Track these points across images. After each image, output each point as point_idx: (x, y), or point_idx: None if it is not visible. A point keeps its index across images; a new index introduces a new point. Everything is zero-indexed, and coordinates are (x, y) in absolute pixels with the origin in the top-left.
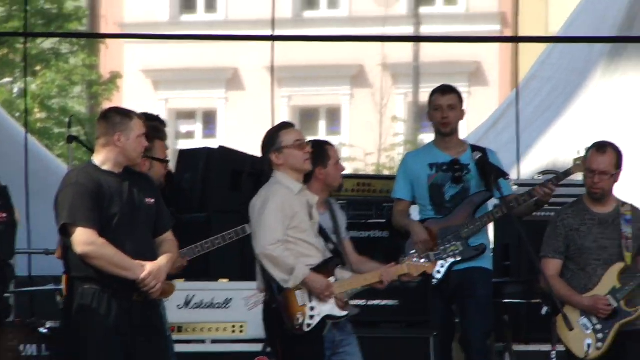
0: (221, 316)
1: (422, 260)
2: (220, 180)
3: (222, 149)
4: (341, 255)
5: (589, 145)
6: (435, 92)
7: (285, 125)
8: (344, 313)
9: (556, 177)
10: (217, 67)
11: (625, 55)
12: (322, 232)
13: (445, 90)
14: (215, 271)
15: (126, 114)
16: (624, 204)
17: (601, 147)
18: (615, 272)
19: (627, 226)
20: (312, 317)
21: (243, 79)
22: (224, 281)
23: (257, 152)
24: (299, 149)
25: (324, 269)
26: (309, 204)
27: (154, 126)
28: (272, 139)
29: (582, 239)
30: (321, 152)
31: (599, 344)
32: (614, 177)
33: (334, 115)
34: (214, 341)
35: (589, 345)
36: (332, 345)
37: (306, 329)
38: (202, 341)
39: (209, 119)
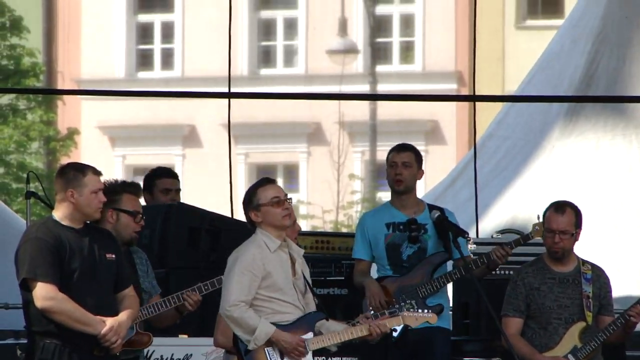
0: None
1: (425, 311)
2: (178, 237)
3: (180, 205)
4: (323, 310)
5: (547, 205)
6: (392, 150)
7: (263, 182)
8: None
9: (515, 241)
10: (173, 123)
11: (582, 114)
12: (308, 285)
13: (402, 148)
14: (174, 326)
15: (80, 170)
16: (584, 262)
17: (559, 207)
18: (577, 332)
19: (588, 285)
20: None
21: (200, 135)
22: (183, 336)
23: (215, 208)
24: (276, 206)
25: (301, 325)
26: (292, 258)
27: (124, 181)
28: (250, 197)
29: (542, 298)
30: None
31: None
32: (574, 237)
33: (291, 173)
34: None
35: None
36: None
37: None
38: None
39: None
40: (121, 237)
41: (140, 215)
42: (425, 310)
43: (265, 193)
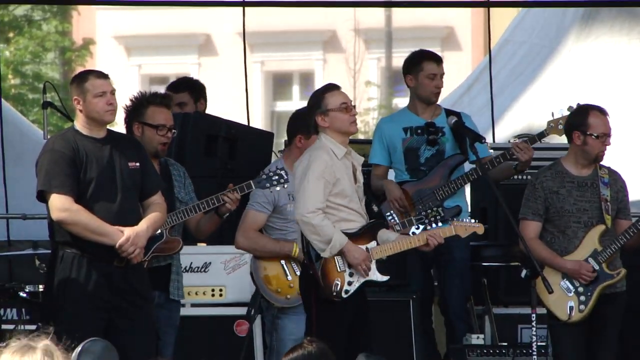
0: (200, 280)
1: (473, 221)
2: (196, 145)
3: (197, 113)
4: (385, 217)
5: (565, 106)
6: (428, 59)
7: (330, 87)
8: (385, 278)
9: (531, 139)
10: (189, 32)
11: (598, 19)
12: (367, 193)
13: (438, 59)
14: (192, 236)
15: (81, 76)
16: (601, 166)
17: (602, 110)
18: (596, 235)
19: (606, 189)
20: (350, 283)
21: (215, 44)
22: (202, 245)
23: (231, 116)
24: (344, 111)
25: (365, 234)
26: (354, 166)
27: (153, 93)
28: (317, 100)
29: (561, 202)
30: (306, 122)
31: (582, 307)
32: None
33: (307, 80)
34: (193, 305)
35: (571, 308)
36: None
37: (344, 296)
38: (182, 305)
39: None
40: (147, 149)
41: (166, 127)
42: (473, 220)
43: (334, 98)
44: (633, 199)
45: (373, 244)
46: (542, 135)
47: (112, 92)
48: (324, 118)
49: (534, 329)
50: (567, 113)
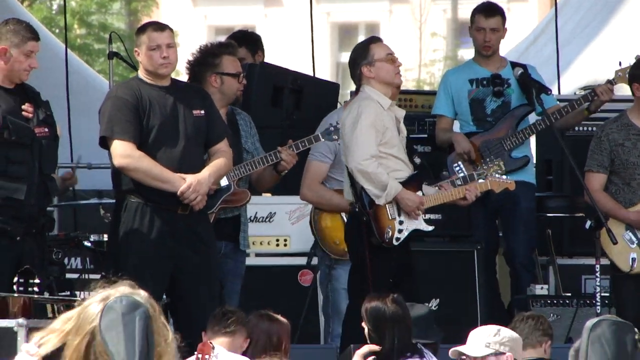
0: (265, 230)
1: (505, 177)
2: (262, 96)
3: (263, 64)
4: (427, 169)
5: (633, 56)
6: (478, 12)
7: (375, 39)
8: (430, 228)
9: (598, 86)
10: None
11: None
12: (409, 146)
13: (489, 12)
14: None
15: (141, 29)
16: None
17: None
18: None
19: None
20: (400, 231)
21: None
22: (267, 195)
23: (297, 67)
24: (390, 62)
25: (412, 183)
26: (397, 118)
27: (221, 42)
28: (363, 51)
29: (626, 154)
30: None
31: None
32: None
33: (373, 31)
34: (258, 255)
35: (633, 260)
36: None
37: (395, 243)
38: (247, 255)
39: None
40: (227, 98)
41: (243, 74)
42: (505, 177)
43: (380, 49)
44: None
45: (419, 194)
46: (610, 83)
47: (169, 45)
48: (370, 68)
49: (597, 279)
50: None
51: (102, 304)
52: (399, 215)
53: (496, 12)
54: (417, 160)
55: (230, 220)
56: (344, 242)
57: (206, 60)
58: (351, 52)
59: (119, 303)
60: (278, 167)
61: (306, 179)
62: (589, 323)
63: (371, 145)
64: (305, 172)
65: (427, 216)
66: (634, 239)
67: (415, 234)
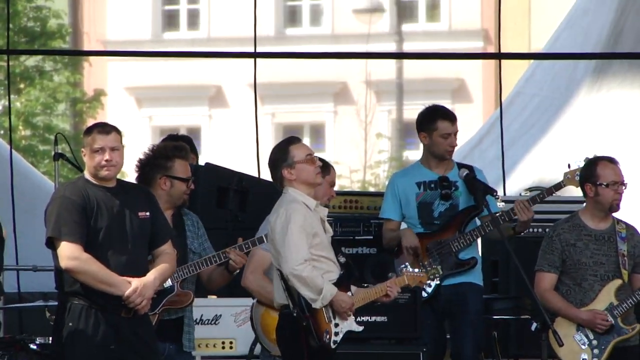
0: (210, 332)
1: (417, 271)
2: (207, 197)
3: (208, 165)
4: (353, 268)
5: (578, 158)
6: (441, 118)
7: (294, 140)
8: (361, 328)
9: (547, 190)
10: (200, 84)
11: (610, 71)
12: (333, 245)
13: (453, 117)
14: (203, 288)
15: (87, 130)
16: (618, 221)
17: (612, 159)
18: (613, 289)
19: (623, 243)
20: (337, 333)
21: (226, 96)
22: (212, 297)
23: (242, 168)
24: (310, 163)
25: (342, 284)
26: (322, 218)
27: (174, 145)
28: (283, 153)
29: (578, 255)
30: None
31: None
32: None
33: (318, 132)
34: (204, 357)
35: None
36: None
37: (333, 346)
38: (193, 357)
39: (193, 136)
40: (174, 201)
41: (192, 179)
42: (417, 271)
43: (299, 150)
44: None
45: (349, 294)
46: (558, 186)
47: (114, 148)
48: (291, 171)
49: None
50: (583, 164)
51: None
52: (334, 317)
53: (456, 118)
54: (342, 259)
55: (174, 322)
56: (277, 346)
57: (158, 162)
58: (270, 153)
59: None
60: (229, 267)
61: (250, 266)
62: None
63: (304, 249)
64: (249, 260)
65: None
66: (585, 339)
67: (378, 337)
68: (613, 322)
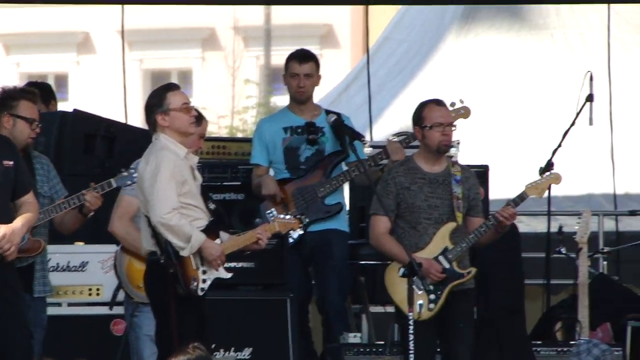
0: (77, 279)
1: (288, 217)
2: (74, 144)
3: (75, 112)
4: (223, 215)
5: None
6: (292, 59)
7: (172, 87)
8: (229, 275)
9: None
10: (68, 31)
11: (478, 17)
12: (203, 192)
13: (303, 58)
14: (70, 234)
15: None
16: (453, 164)
17: (438, 101)
18: (447, 232)
19: (458, 186)
20: (204, 280)
21: (94, 42)
22: (79, 244)
23: (110, 115)
24: (185, 112)
25: (211, 231)
26: (192, 166)
27: (23, 88)
28: (159, 99)
29: (412, 198)
30: None
31: (432, 305)
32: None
33: (185, 78)
34: (71, 304)
35: (420, 306)
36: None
37: (200, 293)
38: (59, 304)
39: (61, 83)
40: (17, 142)
41: (37, 123)
42: (289, 217)
43: (176, 98)
44: (501, 197)
45: (218, 241)
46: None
47: None
48: (165, 117)
49: (411, 327)
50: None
51: None
52: (202, 264)
53: (310, 58)
54: (212, 206)
55: (25, 270)
56: (145, 293)
57: (4, 101)
58: (147, 97)
59: None
60: (83, 209)
61: (117, 212)
62: None
63: (172, 198)
64: (116, 206)
65: (227, 264)
66: (420, 285)
67: (245, 283)
68: (448, 268)
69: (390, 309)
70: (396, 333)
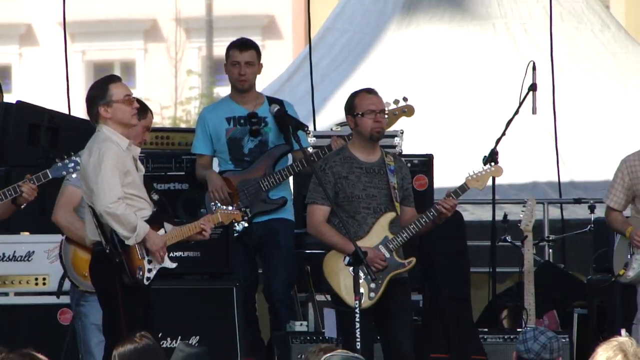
0: (23, 269)
1: (230, 208)
2: (18, 135)
3: (19, 103)
4: (166, 206)
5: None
6: (232, 47)
7: (114, 79)
8: (174, 265)
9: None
10: (10, 22)
11: (419, 7)
12: (146, 183)
13: (243, 46)
14: (16, 224)
15: None
16: (387, 154)
17: (369, 89)
18: (386, 222)
19: (393, 176)
20: (150, 270)
21: (36, 34)
22: (25, 234)
23: (53, 106)
24: (127, 104)
25: (155, 222)
26: (134, 157)
27: None
28: (101, 91)
29: (351, 187)
30: None
31: (372, 294)
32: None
33: (128, 70)
34: (17, 294)
35: (361, 295)
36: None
37: (146, 282)
38: (5, 294)
39: (4, 74)
40: None
41: None
42: (231, 208)
43: (118, 89)
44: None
45: (162, 232)
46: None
47: None
48: (107, 109)
49: (357, 315)
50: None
51: None
52: (147, 254)
53: (250, 46)
54: (155, 196)
55: None
56: (91, 283)
57: None
58: (89, 88)
59: None
60: (18, 200)
61: (60, 202)
62: (323, 358)
63: (117, 188)
64: (59, 195)
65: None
66: (367, 274)
67: (190, 273)
68: (389, 257)
69: None
70: (326, 320)
